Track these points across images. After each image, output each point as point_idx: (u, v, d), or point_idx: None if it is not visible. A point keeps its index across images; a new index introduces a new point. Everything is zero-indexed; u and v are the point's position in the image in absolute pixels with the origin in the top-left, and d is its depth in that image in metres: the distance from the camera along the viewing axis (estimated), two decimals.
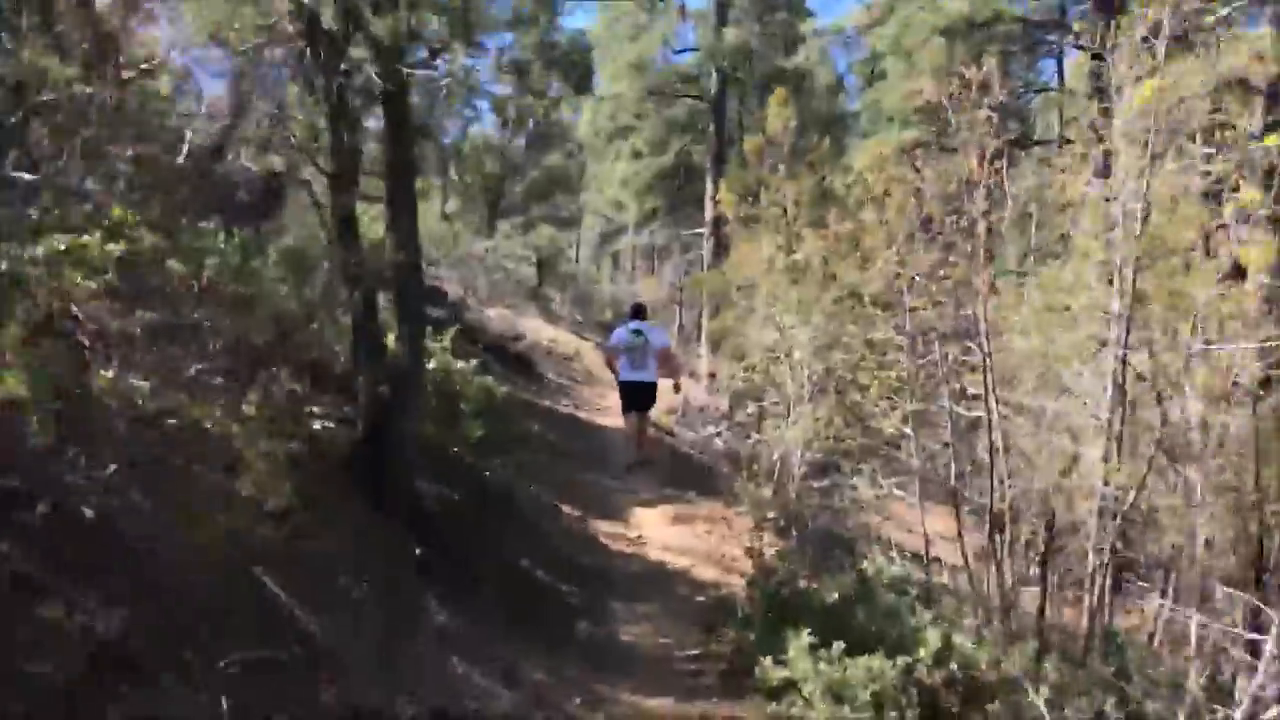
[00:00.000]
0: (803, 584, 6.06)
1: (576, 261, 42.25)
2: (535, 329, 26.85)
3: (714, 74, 26.05)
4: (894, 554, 9.67)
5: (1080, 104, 23.91)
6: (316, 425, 6.26)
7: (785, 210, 16.34)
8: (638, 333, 9.94)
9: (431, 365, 7.39)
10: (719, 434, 19.85)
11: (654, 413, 18.57)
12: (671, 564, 8.65)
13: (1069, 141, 22.38)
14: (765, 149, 17.05)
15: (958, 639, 5.25)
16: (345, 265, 6.35)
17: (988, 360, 7.85)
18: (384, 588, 5.30)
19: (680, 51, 26.35)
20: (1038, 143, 22.22)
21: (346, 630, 4.71)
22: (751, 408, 16.43)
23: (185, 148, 6.22)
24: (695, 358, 29.40)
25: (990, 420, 7.86)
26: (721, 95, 26.21)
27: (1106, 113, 12.25)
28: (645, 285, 38.23)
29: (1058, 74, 25.64)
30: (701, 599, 7.69)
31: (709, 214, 26.00)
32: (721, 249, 25.03)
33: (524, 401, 15.25)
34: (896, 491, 11.37)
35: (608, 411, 16.96)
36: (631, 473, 10.73)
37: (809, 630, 5.13)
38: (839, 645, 5.02)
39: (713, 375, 24.32)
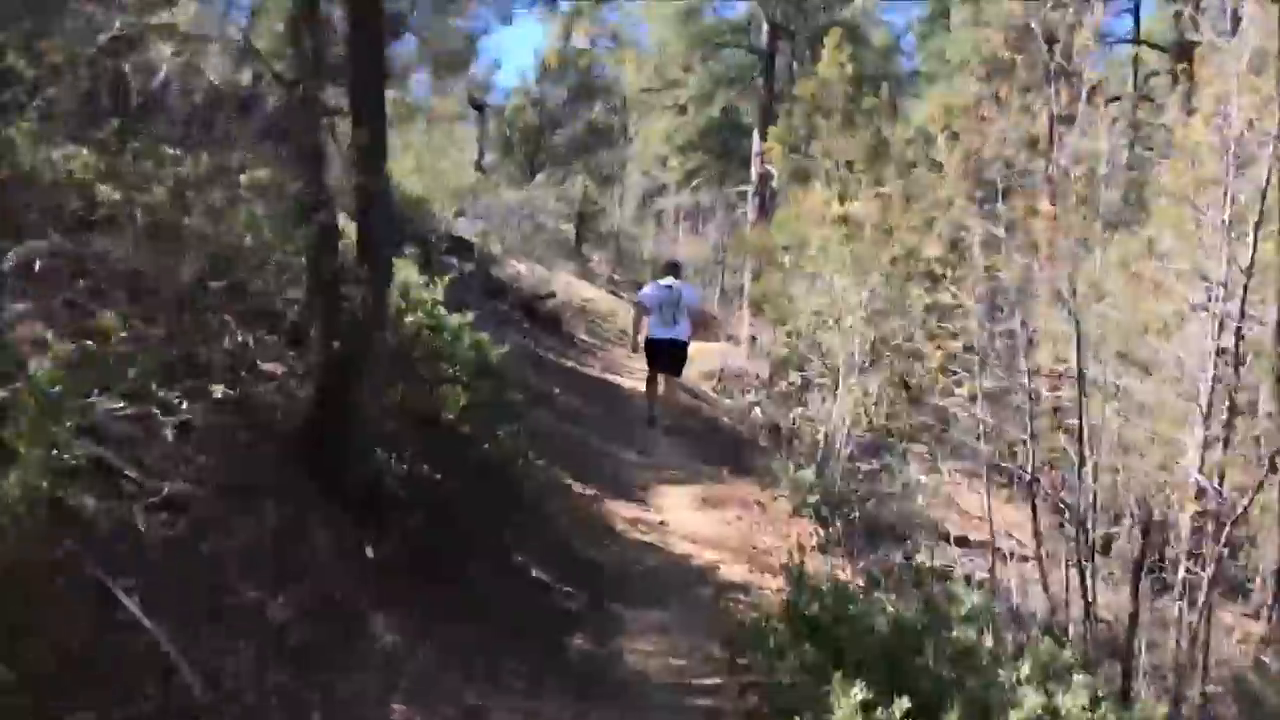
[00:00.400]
0: (853, 606, 4.74)
1: (618, 220, 40.89)
2: (569, 286, 25.57)
3: (765, 24, 24.43)
4: (954, 549, 8.39)
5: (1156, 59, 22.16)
6: (260, 388, 5.05)
7: (838, 164, 14.92)
8: (670, 289, 9.22)
9: (409, 319, 6.12)
10: (758, 403, 18.53)
11: (691, 376, 17.49)
12: (696, 558, 7.38)
13: (1147, 99, 20.64)
14: (819, 94, 15.57)
15: (1065, 702, 3.92)
16: (301, 191, 5.10)
17: (1079, 329, 6.45)
18: (315, 603, 4.08)
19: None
20: (1114, 99, 20.48)
21: (248, 672, 3.49)
22: (794, 377, 15.08)
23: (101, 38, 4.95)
24: (736, 321, 28.01)
25: (1082, 402, 6.47)
26: (772, 46, 24.59)
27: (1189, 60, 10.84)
28: (688, 245, 36.80)
29: (1134, 26, 23.79)
30: (728, 605, 6.43)
31: (755, 171, 24.50)
32: (766, 209, 23.61)
33: (547, 362, 14.02)
34: (955, 475, 10.06)
35: (638, 374, 15.73)
36: (653, 427, 9.95)
37: (860, 678, 3.84)
38: (902, 704, 3.72)
39: (754, 339, 22.94)
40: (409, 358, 5.98)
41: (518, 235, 19.40)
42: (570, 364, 14.85)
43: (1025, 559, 8.50)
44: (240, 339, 5.14)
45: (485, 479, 6.90)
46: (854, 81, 16.65)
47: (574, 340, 18.62)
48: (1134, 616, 6.91)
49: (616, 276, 31.24)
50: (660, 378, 9.88)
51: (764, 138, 24.55)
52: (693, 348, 17.86)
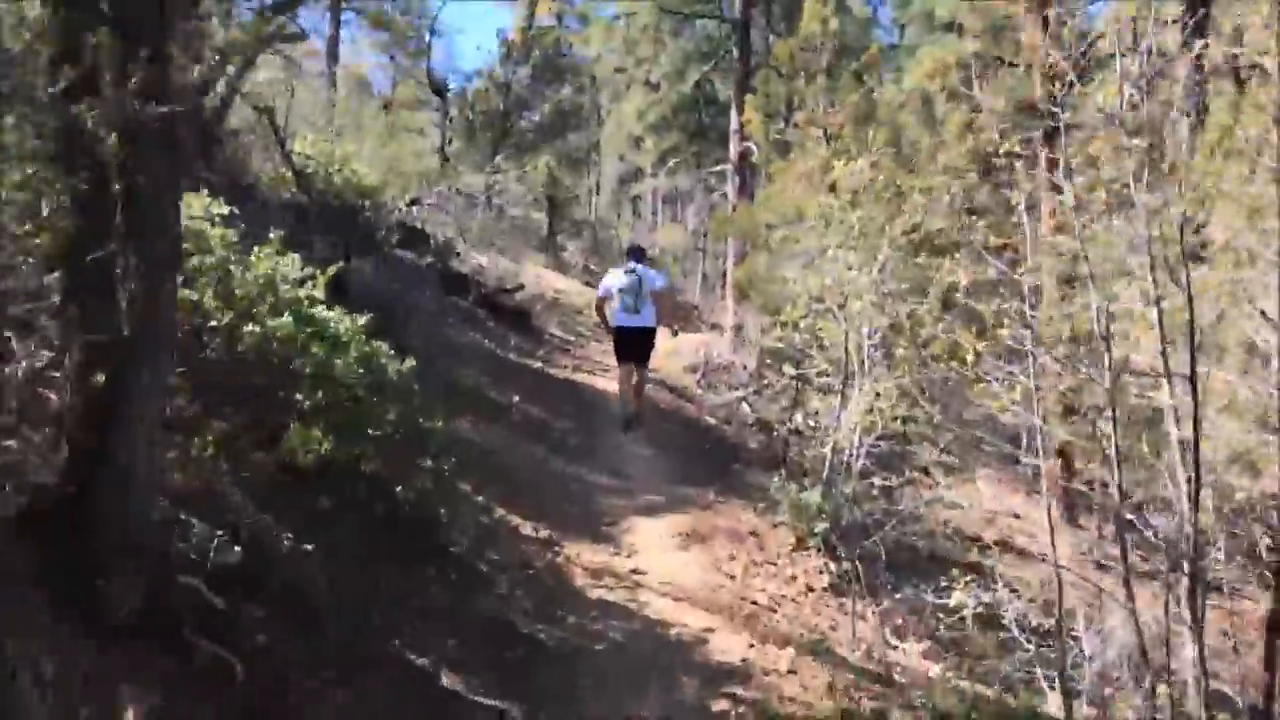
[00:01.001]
0: None
1: (594, 207, 38.98)
2: (540, 278, 23.73)
3: None
4: (1000, 588, 6.59)
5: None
6: None
7: (825, 131, 13.10)
8: (632, 273, 8.57)
9: (253, 329, 4.20)
10: (745, 399, 16.73)
11: (672, 370, 15.46)
12: (677, 626, 5.54)
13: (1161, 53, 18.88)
14: (799, 57, 13.73)
15: None
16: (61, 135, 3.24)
17: (1191, 307, 4.62)
18: None
19: None
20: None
21: None
22: (790, 371, 13.21)
23: None
24: (719, 310, 26.22)
25: (1195, 406, 4.65)
26: (746, 15, 22.69)
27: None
28: (666, 232, 34.97)
29: None
30: (722, 707, 4.60)
31: (733, 149, 22.62)
32: (747, 188, 21.72)
33: (509, 365, 12.19)
34: (991, 485, 8.28)
35: (614, 372, 13.99)
36: (628, 431, 8.82)
37: None
38: None
39: (738, 329, 21.13)
40: (248, 381, 4.11)
41: (481, 225, 17.46)
42: (537, 365, 13.00)
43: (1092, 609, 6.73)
44: None
45: (393, 534, 5.06)
46: (836, 45, 14.85)
47: (544, 336, 16.77)
48: (1271, 688, 5.15)
49: (592, 266, 29.36)
50: (632, 373, 8.98)
51: (741, 112, 22.72)
52: (676, 340, 15.56)
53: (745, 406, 16.59)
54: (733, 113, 23.01)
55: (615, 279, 8.91)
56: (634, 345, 8.80)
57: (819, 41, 13.91)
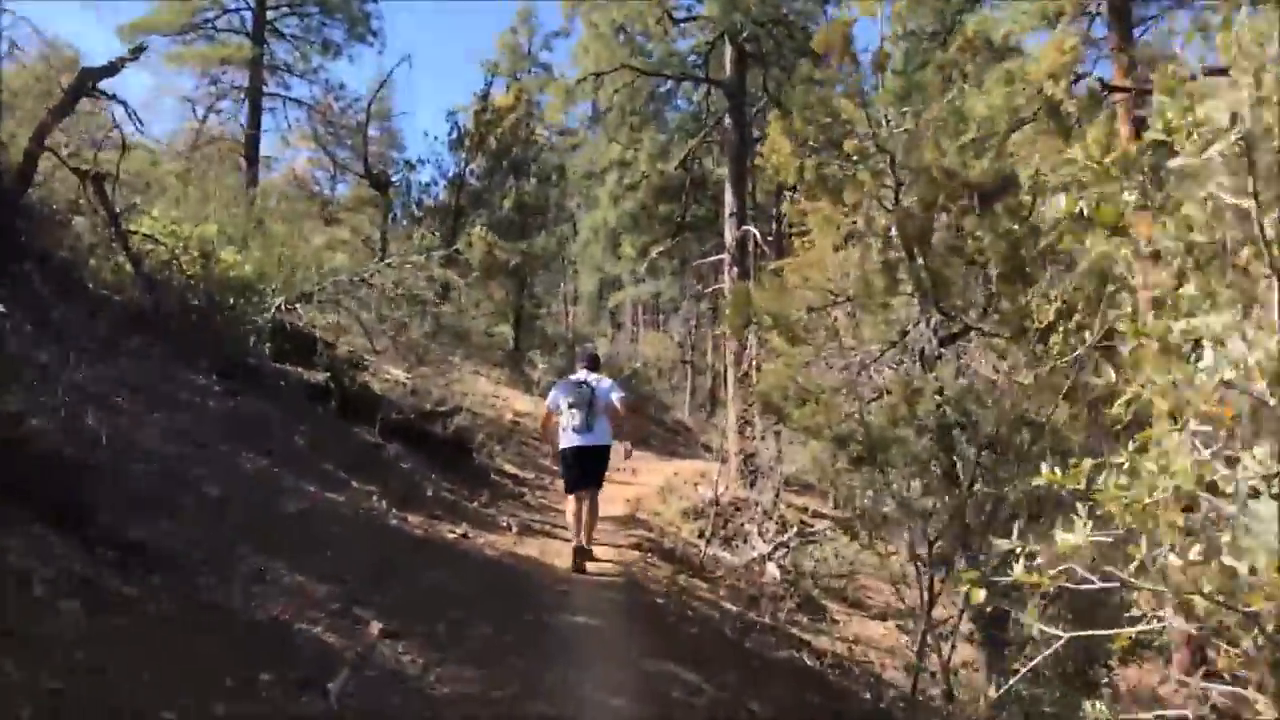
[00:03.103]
0: None
1: (570, 320, 34.38)
2: (499, 398, 18.81)
3: (728, 49, 18.37)
4: None
5: None
6: None
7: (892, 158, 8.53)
8: (581, 385, 7.68)
9: None
10: (772, 556, 11.67)
11: (668, 516, 11.33)
12: None
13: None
14: (843, 57, 9.23)
15: None
16: None
17: None
18: None
19: (683, 20, 18.48)
20: None
21: None
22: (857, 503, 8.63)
23: None
24: (716, 433, 21.36)
25: None
26: (740, 76, 18.48)
27: None
28: (650, 342, 30.28)
29: None
30: None
31: (729, 235, 18.12)
32: (749, 281, 17.11)
33: (400, 539, 7.19)
34: None
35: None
36: (577, 570, 7.24)
37: None
38: None
39: (748, 457, 16.15)
40: None
41: (393, 325, 12.59)
42: (454, 533, 7.95)
43: None
44: None
45: None
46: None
47: (488, 476, 11.78)
48: None
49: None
50: (582, 500, 7.58)
51: (738, 193, 18.26)
52: (667, 468, 13.05)
53: (773, 568, 11.54)
54: (727, 193, 18.55)
55: (563, 391, 7.83)
56: (584, 468, 7.64)
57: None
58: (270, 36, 22.07)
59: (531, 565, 7.59)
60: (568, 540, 8.19)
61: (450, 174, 22.41)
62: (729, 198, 18.24)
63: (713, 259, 20.45)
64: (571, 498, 7.77)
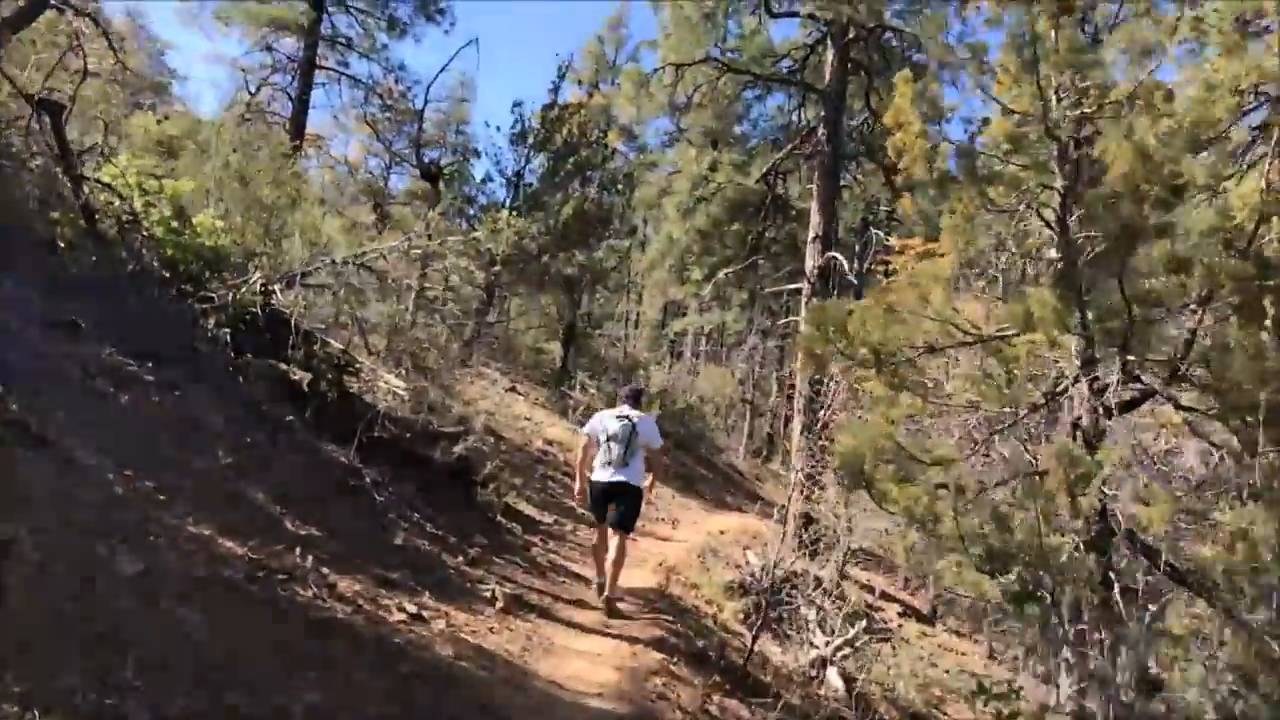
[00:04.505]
0: None
1: (625, 345, 31.99)
2: (531, 421, 16.46)
3: (830, 54, 15.98)
4: None
5: None
6: None
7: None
8: (624, 419, 7.36)
9: None
10: (834, 658, 9.07)
11: (707, 592, 8.86)
12: None
13: None
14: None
15: None
16: None
17: None
18: None
19: (781, 15, 16.12)
20: None
21: None
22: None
23: None
24: (771, 480, 18.83)
25: None
26: (840, 82, 16.04)
27: None
28: (708, 375, 27.74)
29: None
30: None
31: (810, 261, 15.62)
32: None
33: (369, 641, 4.88)
34: None
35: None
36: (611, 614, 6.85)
37: None
38: None
39: (810, 522, 13.53)
40: None
41: (392, 320, 10.28)
42: (410, 608, 5.59)
43: None
44: None
45: None
46: None
47: (494, 518, 9.42)
48: None
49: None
50: (609, 538, 7.25)
51: (826, 213, 15.77)
52: (713, 521, 11.99)
53: (834, 674, 8.96)
54: (813, 215, 16.09)
55: (605, 422, 7.49)
56: (618, 503, 7.21)
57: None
58: (331, 5, 20.27)
59: (499, 678, 5.14)
60: (567, 622, 5.81)
61: (509, 171, 20.27)
62: (815, 218, 15.76)
63: (788, 287, 17.93)
64: (599, 527, 7.57)
